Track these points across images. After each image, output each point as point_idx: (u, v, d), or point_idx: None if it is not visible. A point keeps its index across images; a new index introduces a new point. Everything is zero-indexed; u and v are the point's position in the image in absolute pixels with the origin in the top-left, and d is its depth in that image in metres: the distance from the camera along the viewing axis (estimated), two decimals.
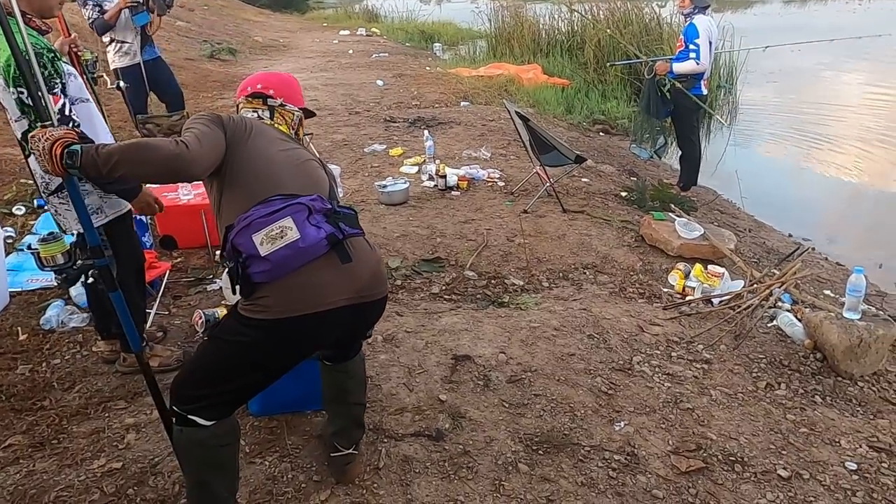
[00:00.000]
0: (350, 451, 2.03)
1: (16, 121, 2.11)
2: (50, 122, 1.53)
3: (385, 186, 4.65)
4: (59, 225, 2.30)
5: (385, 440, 2.22)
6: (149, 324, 2.91)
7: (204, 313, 2.91)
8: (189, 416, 1.61)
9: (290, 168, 1.70)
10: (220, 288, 3.20)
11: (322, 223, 1.58)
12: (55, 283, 3.26)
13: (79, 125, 2.10)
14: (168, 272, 3.34)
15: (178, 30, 12.46)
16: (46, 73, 2.04)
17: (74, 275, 1.66)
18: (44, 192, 2.25)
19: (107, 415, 2.37)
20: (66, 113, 2.08)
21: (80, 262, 1.68)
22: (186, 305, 3.19)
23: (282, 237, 1.50)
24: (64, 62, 2.17)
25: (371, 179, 5.06)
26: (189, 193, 3.63)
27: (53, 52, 2.11)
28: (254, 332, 1.56)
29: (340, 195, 4.68)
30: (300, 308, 1.54)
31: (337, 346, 1.92)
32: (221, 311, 2.96)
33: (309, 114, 2.00)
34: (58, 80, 2.08)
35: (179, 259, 3.66)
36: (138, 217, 3.17)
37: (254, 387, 1.67)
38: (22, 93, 2.00)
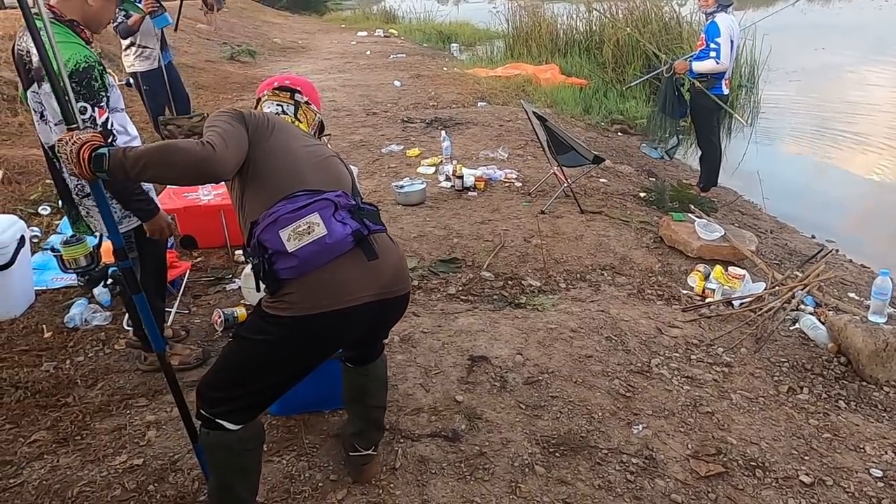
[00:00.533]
0: (369, 451, 2.04)
1: (56, 124, 2.16)
2: (76, 126, 1.55)
3: (402, 187, 4.66)
4: (88, 227, 2.35)
5: (401, 440, 2.23)
6: (169, 322, 2.95)
7: (223, 312, 2.95)
8: (216, 420, 1.62)
9: (313, 163, 1.69)
10: (239, 287, 3.24)
11: (347, 219, 1.57)
12: (78, 284, 3.32)
13: (116, 139, 2.15)
14: (188, 272, 3.38)
15: (199, 32, 12.62)
16: (97, 85, 2.10)
17: (97, 277, 1.68)
18: (76, 195, 2.29)
19: (128, 412, 2.41)
20: (109, 127, 2.13)
21: (102, 264, 1.70)
22: (206, 304, 3.23)
23: (309, 233, 1.49)
24: (109, 73, 2.22)
25: (388, 180, 5.08)
26: (209, 194, 3.68)
27: (102, 66, 2.16)
28: (277, 330, 1.55)
29: None
30: (326, 304, 1.52)
31: (358, 346, 1.92)
32: (240, 311, 3.00)
33: (321, 128, 2.01)
34: (104, 94, 2.14)
35: (199, 259, 3.71)
36: None
37: (277, 387, 1.66)
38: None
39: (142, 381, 2.59)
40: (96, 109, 2.10)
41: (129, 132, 2.31)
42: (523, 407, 2.43)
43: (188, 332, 2.93)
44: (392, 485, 2.04)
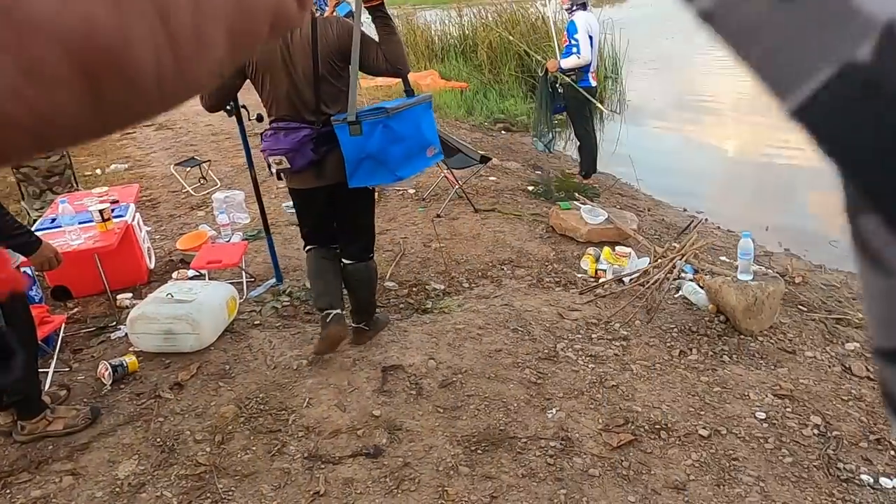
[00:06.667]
0: (360, 325, 2.86)
1: None
2: None
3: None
4: None
5: (322, 466, 2.17)
6: (47, 385, 2.67)
7: (110, 364, 2.72)
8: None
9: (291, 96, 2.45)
10: (126, 334, 2.99)
11: (307, 152, 2.41)
12: None
13: None
14: (63, 325, 3.07)
15: None
16: None
17: None
18: None
19: (8, 491, 2.15)
20: None
21: None
22: (89, 358, 2.95)
23: (280, 164, 2.46)
24: None
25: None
26: (79, 238, 3.36)
27: None
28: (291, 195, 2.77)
29: (247, 221, 4.53)
30: (296, 185, 2.63)
31: (339, 230, 2.77)
32: (130, 359, 2.77)
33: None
34: None
35: (76, 310, 3.39)
36: (23, 269, 2.91)
37: (311, 227, 2.79)
38: None
39: (21, 454, 2.32)
40: None
41: None
42: (441, 410, 2.44)
43: (69, 391, 2.67)
44: None
